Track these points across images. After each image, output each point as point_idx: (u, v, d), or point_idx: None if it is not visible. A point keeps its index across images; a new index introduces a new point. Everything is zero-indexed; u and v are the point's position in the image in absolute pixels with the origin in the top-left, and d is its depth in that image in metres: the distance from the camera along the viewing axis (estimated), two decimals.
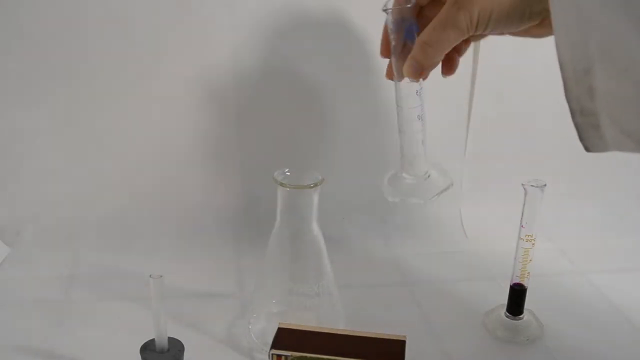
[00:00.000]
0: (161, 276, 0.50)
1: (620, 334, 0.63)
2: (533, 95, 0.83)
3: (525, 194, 0.57)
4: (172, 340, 0.53)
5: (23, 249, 0.76)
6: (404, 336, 0.50)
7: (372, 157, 0.81)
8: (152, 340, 0.52)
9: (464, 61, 0.80)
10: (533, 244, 0.59)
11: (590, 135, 0.42)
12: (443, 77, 0.56)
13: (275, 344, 0.49)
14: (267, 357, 0.49)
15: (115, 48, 0.74)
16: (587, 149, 0.42)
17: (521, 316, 0.62)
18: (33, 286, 0.69)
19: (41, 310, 0.64)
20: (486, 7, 0.47)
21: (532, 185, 0.56)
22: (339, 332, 0.51)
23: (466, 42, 0.54)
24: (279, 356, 0.49)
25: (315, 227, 0.58)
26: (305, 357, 0.48)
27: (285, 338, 0.50)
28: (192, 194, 0.81)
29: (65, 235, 0.77)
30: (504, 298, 0.64)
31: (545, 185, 0.56)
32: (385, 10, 0.51)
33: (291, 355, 0.48)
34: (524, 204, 0.57)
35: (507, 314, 0.62)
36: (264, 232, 0.60)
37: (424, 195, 0.54)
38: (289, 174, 0.56)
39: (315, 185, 0.55)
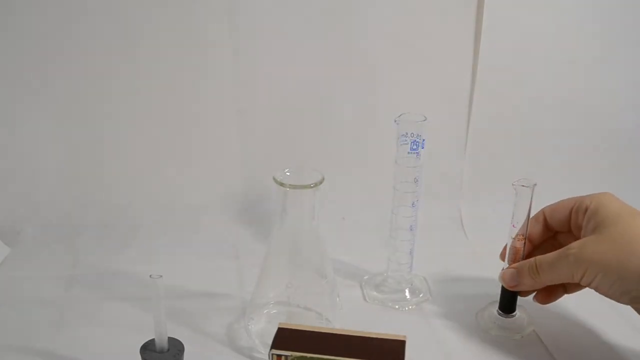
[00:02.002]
0: (161, 276, 0.50)
1: (616, 328, 0.64)
2: (533, 95, 0.83)
3: (516, 193, 0.57)
4: (172, 340, 0.53)
5: (23, 249, 0.76)
6: (404, 336, 0.50)
7: (372, 157, 0.81)
8: (152, 340, 0.52)
9: (464, 60, 0.81)
10: (524, 244, 0.59)
11: None
12: (535, 301, 0.60)
13: (275, 344, 0.49)
14: (267, 357, 0.49)
15: (116, 48, 0.74)
16: None
17: (513, 314, 0.62)
18: (33, 286, 0.69)
19: (41, 310, 0.64)
20: (594, 269, 0.52)
21: (522, 185, 0.56)
22: (339, 332, 0.51)
23: (578, 286, 0.57)
24: (279, 356, 0.49)
25: (315, 227, 0.58)
26: (305, 357, 0.48)
27: (285, 338, 0.50)
28: (192, 193, 0.81)
29: (65, 235, 0.77)
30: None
31: (535, 184, 0.56)
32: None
33: (291, 355, 0.48)
34: (514, 204, 0.57)
35: (500, 312, 0.62)
36: (264, 232, 0.60)
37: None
38: (289, 174, 0.56)
39: (315, 185, 0.55)
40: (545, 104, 0.84)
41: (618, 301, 0.53)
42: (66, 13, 0.72)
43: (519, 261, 0.59)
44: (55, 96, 0.75)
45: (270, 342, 0.49)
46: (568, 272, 0.53)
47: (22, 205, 0.79)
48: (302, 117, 0.80)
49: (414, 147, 0.60)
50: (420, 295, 0.68)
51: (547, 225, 0.60)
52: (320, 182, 0.55)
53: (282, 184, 0.55)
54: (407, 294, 0.68)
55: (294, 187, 0.55)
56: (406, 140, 0.60)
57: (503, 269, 0.60)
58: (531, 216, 0.58)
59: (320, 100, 0.80)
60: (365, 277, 0.71)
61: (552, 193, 0.61)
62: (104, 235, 0.78)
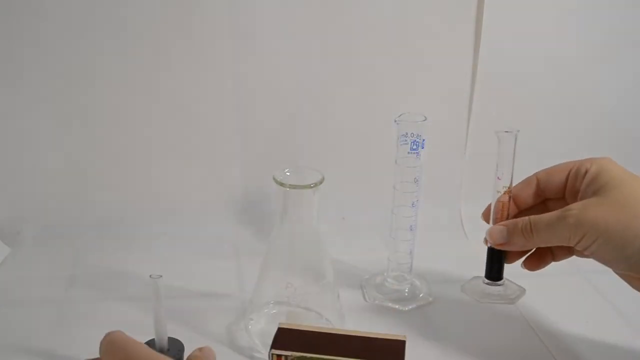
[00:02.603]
0: (161, 276, 0.50)
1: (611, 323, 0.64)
2: (533, 95, 0.83)
3: (499, 141, 0.54)
4: (172, 340, 0.53)
5: (23, 249, 0.76)
6: (404, 336, 0.50)
7: (372, 157, 0.81)
8: (152, 340, 0.52)
9: (465, 60, 0.81)
10: (510, 197, 0.55)
11: None
12: (523, 267, 0.58)
13: (275, 344, 0.49)
14: (267, 357, 0.49)
15: (116, 48, 0.74)
16: None
17: (501, 281, 0.59)
18: (33, 286, 0.69)
19: (41, 310, 0.64)
20: (594, 233, 0.49)
21: (505, 132, 0.54)
22: (339, 332, 0.51)
23: (568, 252, 0.56)
24: (279, 356, 0.49)
25: (315, 227, 0.58)
26: (305, 357, 0.48)
27: (285, 338, 0.50)
28: (192, 193, 0.81)
29: (65, 235, 0.77)
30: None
31: (518, 131, 0.54)
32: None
33: (291, 355, 0.48)
34: (497, 154, 0.54)
35: (487, 280, 0.59)
36: (264, 232, 0.60)
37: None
38: (289, 174, 0.56)
39: (315, 185, 0.55)
40: (545, 104, 0.84)
41: (614, 268, 0.51)
42: (66, 13, 0.72)
43: (505, 219, 0.56)
44: (55, 96, 0.75)
45: (270, 342, 0.49)
46: (565, 235, 0.51)
47: (22, 205, 0.79)
48: (302, 117, 0.80)
49: (414, 147, 0.60)
50: (420, 295, 0.68)
51: (539, 191, 0.57)
52: (320, 182, 0.55)
53: (282, 184, 0.55)
54: (407, 294, 0.68)
55: (294, 187, 0.55)
56: (406, 140, 0.60)
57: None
58: (512, 162, 0.56)
59: (320, 100, 0.80)
60: (365, 277, 0.71)
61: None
62: (104, 235, 0.78)
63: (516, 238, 0.54)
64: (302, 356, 0.48)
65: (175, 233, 0.79)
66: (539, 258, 0.57)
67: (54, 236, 0.77)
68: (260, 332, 0.59)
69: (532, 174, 0.59)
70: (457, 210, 0.84)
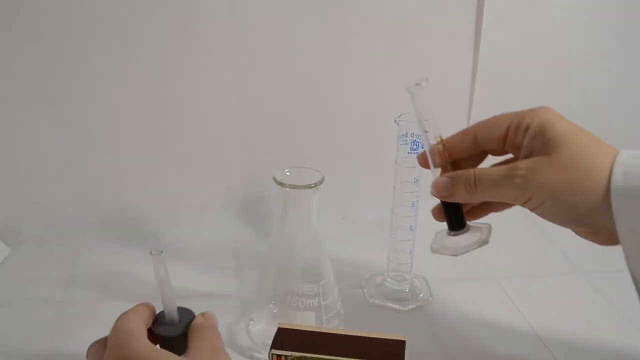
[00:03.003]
0: (162, 251, 0.50)
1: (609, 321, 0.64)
2: (533, 95, 0.83)
3: (413, 98, 0.51)
4: (181, 310, 0.51)
5: (23, 249, 0.76)
6: (404, 336, 0.50)
7: (372, 157, 0.81)
8: (162, 312, 0.51)
9: (465, 60, 0.81)
10: (443, 145, 0.52)
11: None
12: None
13: (275, 344, 0.49)
14: (267, 357, 0.49)
15: (116, 48, 0.74)
16: None
17: (466, 228, 0.55)
18: (33, 286, 0.69)
19: (41, 310, 0.64)
20: (542, 195, 0.47)
21: (416, 84, 0.50)
22: (339, 332, 0.51)
23: (509, 205, 0.53)
24: (279, 356, 0.49)
25: (315, 227, 0.58)
26: (305, 357, 0.48)
27: (285, 338, 0.50)
28: (192, 193, 0.81)
29: (65, 235, 0.77)
30: (503, 296, 0.63)
31: (427, 79, 0.50)
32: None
33: (291, 355, 0.48)
34: (416, 110, 0.51)
35: (452, 232, 0.56)
36: (264, 232, 0.60)
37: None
38: (289, 174, 0.56)
39: (315, 185, 0.55)
40: (545, 104, 0.83)
41: (564, 226, 0.49)
42: (66, 13, 0.72)
43: (443, 165, 0.53)
44: (55, 96, 0.75)
45: (270, 342, 0.49)
46: (512, 194, 0.49)
47: (22, 205, 0.79)
48: (302, 117, 0.80)
49: (414, 147, 0.60)
50: (420, 295, 0.68)
51: (475, 144, 0.54)
52: (320, 182, 0.55)
53: (282, 184, 0.55)
54: (407, 294, 0.68)
55: (294, 187, 0.55)
56: (406, 140, 0.60)
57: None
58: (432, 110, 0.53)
59: (320, 100, 0.80)
60: (365, 277, 0.71)
61: None
62: (104, 235, 0.78)
63: (460, 191, 0.51)
64: (302, 356, 0.48)
65: (175, 233, 0.79)
66: (480, 209, 0.55)
67: (54, 236, 0.77)
68: (260, 332, 0.59)
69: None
70: None
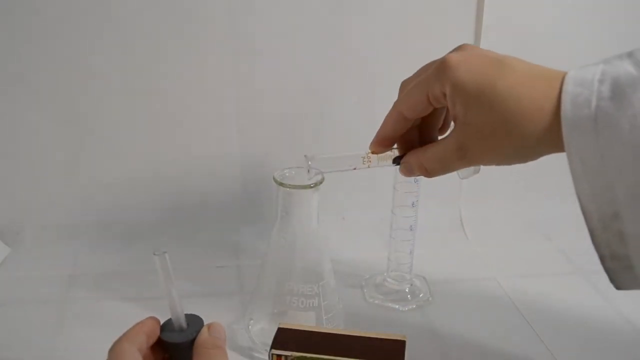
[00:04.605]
0: (165, 252, 0.49)
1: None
2: None
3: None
4: (190, 317, 0.50)
5: (23, 249, 0.76)
6: (404, 336, 0.50)
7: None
8: (169, 320, 0.50)
9: None
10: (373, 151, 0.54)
11: (624, 277, 0.40)
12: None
13: (275, 344, 0.49)
14: (267, 357, 0.49)
15: (115, 48, 0.74)
16: (618, 288, 0.41)
17: None
18: (33, 286, 0.69)
19: (41, 310, 0.64)
20: (483, 162, 0.48)
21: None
22: (339, 332, 0.51)
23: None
24: (279, 356, 0.49)
25: (315, 227, 0.58)
26: (305, 357, 0.48)
27: (285, 338, 0.50)
28: (192, 193, 0.81)
29: (65, 235, 0.77)
30: (503, 296, 0.63)
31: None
32: None
33: (291, 355, 0.48)
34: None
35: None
36: (264, 232, 0.60)
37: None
38: (289, 174, 0.56)
39: (315, 185, 0.55)
40: None
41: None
42: (66, 13, 0.72)
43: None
44: (55, 96, 0.75)
45: (270, 342, 0.49)
46: (456, 166, 0.49)
47: (22, 205, 0.79)
48: (301, 116, 0.80)
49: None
50: (420, 295, 0.68)
51: (411, 124, 0.53)
52: (320, 182, 0.55)
53: (282, 184, 0.55)
54: (407, 294, 0.68)
55: (294, 187, 0.55)
56: None
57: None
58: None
59: (320, 100, 0.80)
60: (366, 277, 0.71)
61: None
62: (104, 235, 0.78)
63: (418, 174, 0.52)
64: (302, 356, 0.48)
65: (176, 233, 0.79)
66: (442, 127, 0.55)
67: (54, 236, 0.77)
68: (260, 332, 0.59)
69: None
70: (457, 210, 0.84)
